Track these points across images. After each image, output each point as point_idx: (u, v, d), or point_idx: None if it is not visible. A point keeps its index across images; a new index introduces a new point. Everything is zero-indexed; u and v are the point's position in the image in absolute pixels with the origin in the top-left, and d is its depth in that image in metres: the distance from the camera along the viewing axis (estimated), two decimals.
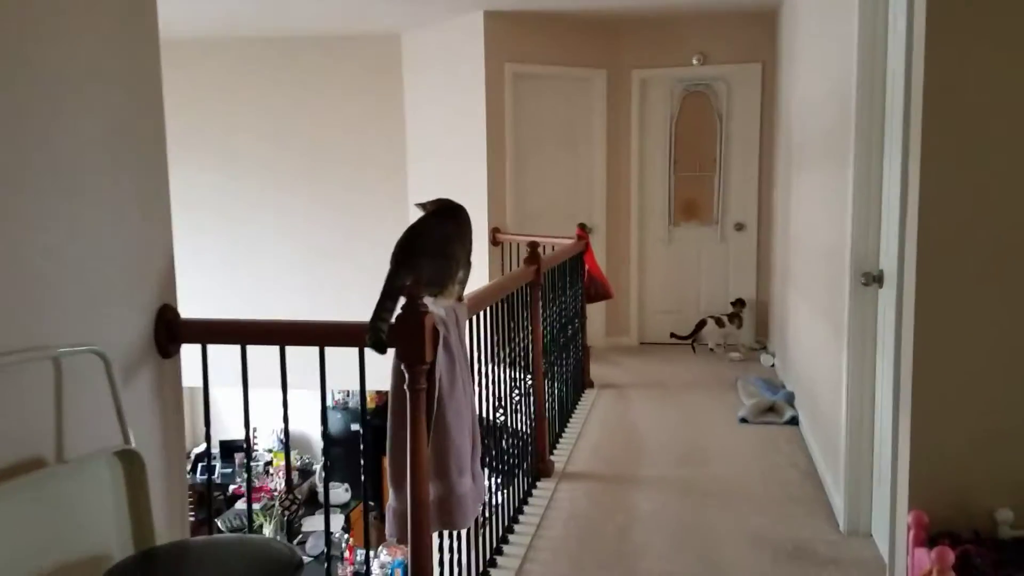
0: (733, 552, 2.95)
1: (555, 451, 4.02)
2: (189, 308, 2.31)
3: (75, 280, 1.81)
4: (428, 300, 2.12)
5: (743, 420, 4.44)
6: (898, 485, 2.29)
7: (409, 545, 2.11)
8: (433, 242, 2.16)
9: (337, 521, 8.57)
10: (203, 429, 10.01)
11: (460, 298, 2.33)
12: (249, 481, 2.54)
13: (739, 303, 6.24)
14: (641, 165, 6.52)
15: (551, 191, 6.41)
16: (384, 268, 2.12)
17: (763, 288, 6.43)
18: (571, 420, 4.53)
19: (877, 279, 2.89)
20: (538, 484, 3.58)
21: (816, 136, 4.07)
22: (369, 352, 2.04)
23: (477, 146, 5.92)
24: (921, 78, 2.16)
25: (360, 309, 2.10)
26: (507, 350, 3.20)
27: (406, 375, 2.07)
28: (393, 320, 2.05)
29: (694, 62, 6.37)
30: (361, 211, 6.74)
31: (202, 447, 10.60)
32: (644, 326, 6.62)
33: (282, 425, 9.76)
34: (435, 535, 2.27)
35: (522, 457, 3.42)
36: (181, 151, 6.46)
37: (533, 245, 3.68)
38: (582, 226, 5.21)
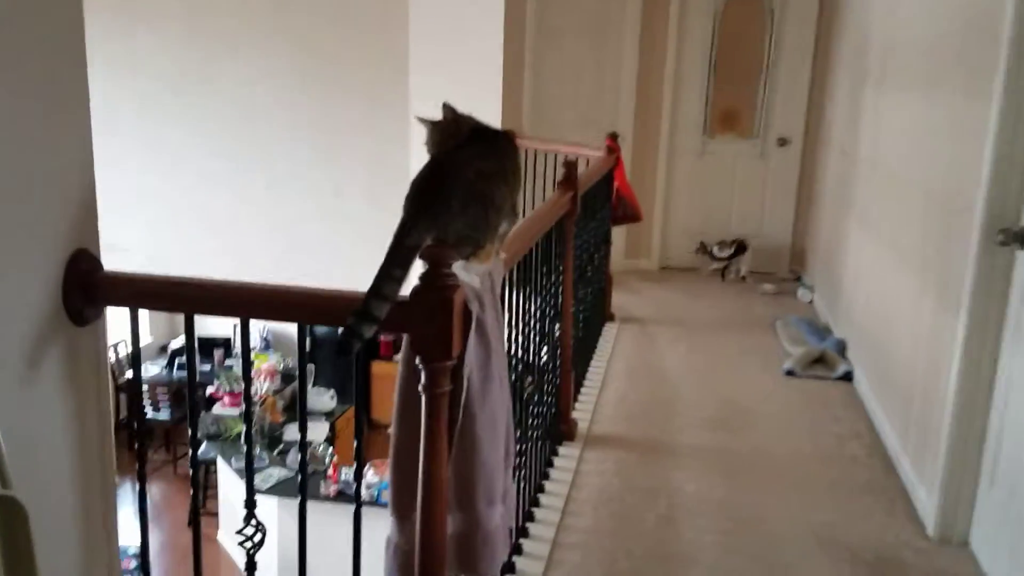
0: (801, 559, 2.43)
1: (577, 402, 3.45)
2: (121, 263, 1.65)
3: None
4: (457, 265, 1.48)
5: (789, 373, 3.88)
6: None
7: None
8: (466, 182, 1.49)
9: (321, 430, 8.13)
10: (179, 322, 9.20)
11: (498, 252, 1.68)
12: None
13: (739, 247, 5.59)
14: (677, 66, 5.71)
15: (573, 91, 5.62)
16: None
17: (803, 213, 5.78)
18: (592, 363, 3.96)
19: (1020, 238, 2.26)
20: (559, 450, 3.04)
21: (919, 45, 3.33)
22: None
23: (493, 35, 5.07)
24: None
25: (350, 278, 1.47)
26: (537, 301, 2.57)
27: (423, 373, 1.45)
28: (402, 295, 1.42)
29: None
30: (352, 127, 5.65)
31: (180, 341, 10.08)
32: (666, 249, 5.98)
33: (266, 325, 8.97)
34: None
35: (544, 418, 2.84)
36: (124, 59, 5.52)
37: (571, 166, 2.99)
38: (613, 136, 4.49)
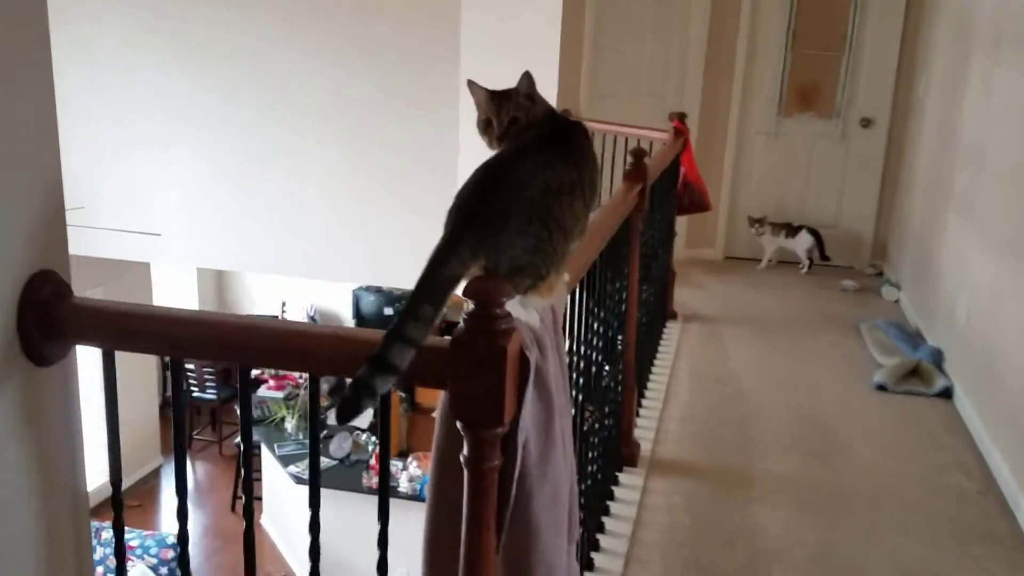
0: None
1: (638, 417, 3.08)
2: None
3: None
4: (512, 301, 1.13)
5: (880, 387, 3.45)
6: None
7: None
8: (531, 197, 1.13)
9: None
10: (227, 300, 9.00)
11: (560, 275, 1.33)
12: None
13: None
14: (751, 36, 5.21)
15: (635, 64, 5.18)
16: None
17: (888, 202, 5.26)
18: (654, 370, 3.58)
19: None
20: (620, 478, 2.68)
21: None
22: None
23: (551, 6, 4.64)
24: None
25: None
26: (600, 313, 2.21)
27: (465, 442, 1.11)
28: (440, 340, 1.08)
29: None
30: (392, 110, 5.13)
31: None
32: (733, 237, 5.52)
33: (313, 304, 8.82)
34: None
35: (604, 443, 2.49)
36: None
37: (639, 155, 2.60)
38: (681, 117, 4.07)
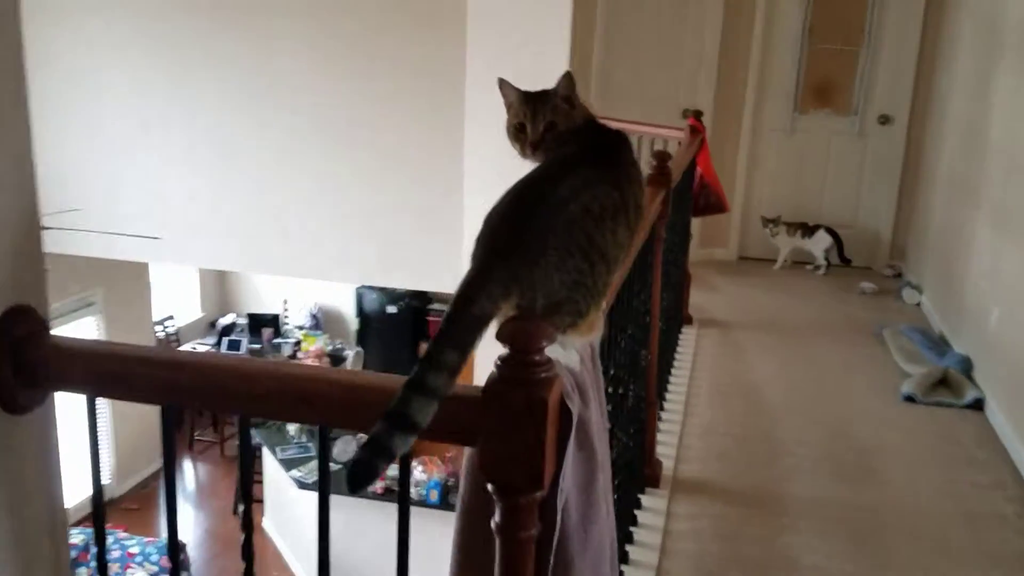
0: None
1: (658, 432, 2.94)
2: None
3: None
4: (552, 346, 0.98)
5: (908, 398, 3.31)
6: None
7: None
8: (569, 222, 0.99)
9: None
10: (229, 298, 8.83)
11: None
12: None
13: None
14: (766, 30, 5.06)
15: (646, 58, 5.02)
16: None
17: (907, 201, 5.11)
18: (671, 380, 3.44)
19: None
20: (643, 501, 2.54)
21: None
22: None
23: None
24: None
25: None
26: (628, 330, 2.07)
27: (497, 508, 0.97)
28: (470, 387, 0.94)
29: None
30: (394, 113, 4.92)
31: (229, 318, 9.84)
32: (747, 237, 5.37)
33: (316, 302, 8.64)
34: None
35: (627, 465, 2.35)
36: None
37: (663, 158, 2.45)
38: (697, 115, 3.92)
